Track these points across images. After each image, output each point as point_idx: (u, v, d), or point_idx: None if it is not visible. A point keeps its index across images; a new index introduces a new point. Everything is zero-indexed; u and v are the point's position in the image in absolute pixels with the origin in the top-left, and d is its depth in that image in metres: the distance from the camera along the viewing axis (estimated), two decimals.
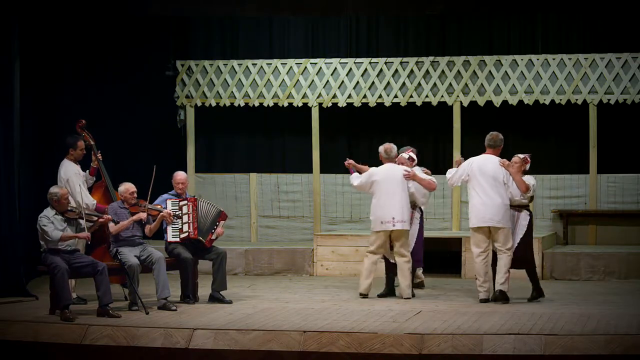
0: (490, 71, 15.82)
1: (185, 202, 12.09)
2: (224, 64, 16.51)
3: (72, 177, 12.17)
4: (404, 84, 16.04)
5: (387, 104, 16.11)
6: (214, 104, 16.54)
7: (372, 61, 16.18)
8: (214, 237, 12.21)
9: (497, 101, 15.84)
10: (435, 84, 15.94)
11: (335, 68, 16.24)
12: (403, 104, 16.07)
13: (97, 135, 12.77)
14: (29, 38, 13.77)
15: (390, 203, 12.24)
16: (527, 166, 11.98)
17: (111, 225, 11.67)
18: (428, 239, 13.45)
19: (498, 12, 15.68)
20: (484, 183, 11.86)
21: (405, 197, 12.32)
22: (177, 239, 12.05)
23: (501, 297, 11.74)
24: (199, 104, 16.56)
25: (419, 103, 16.03)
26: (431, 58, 16.01)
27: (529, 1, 14.36)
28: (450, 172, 12.26)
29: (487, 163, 11.96)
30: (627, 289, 13.30)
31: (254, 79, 16.39)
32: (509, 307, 11.52)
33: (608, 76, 15.53)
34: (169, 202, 12.07)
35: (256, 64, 16.41)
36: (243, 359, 9.93)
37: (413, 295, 12.33)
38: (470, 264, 14.45)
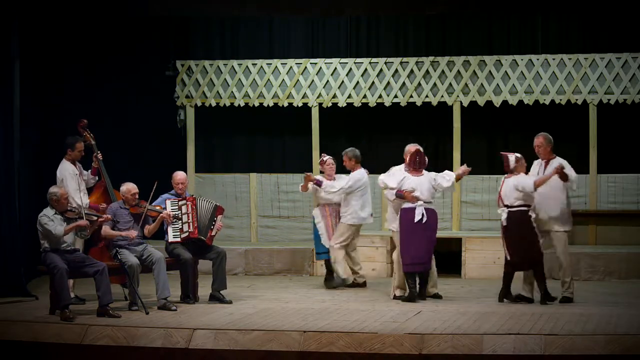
0: (490, 71, 15.82)
1: (185, 201, 12.09)
2: (224, 64, 16.51)
3: (66, 177, 12.18)
4: (404, 84, 16.04)
5: (387, 104, 16.11)
6: (214, 104, 16.54)
7: (372, 61, 16.18)
8: (213, 233, 12.22)
9: (497, 101, 15.84)
10: (435, 84, 15.94)
11: (335, 68, 16.24)
12: (403, 104, 16.07)
13: (97, 135, 12.79)
14: (29, 38, 13.77)
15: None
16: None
17: (105, 227, 11.65)
18: None
19: (498, 12, 15.68)
20: None
21: None
22: (178, 239, 12.06)
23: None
24: (199, 104, 16.56)
25: (419, 103, 16.03)
26: (431, 58, 16.01)
27: (529, 1, 14.36)
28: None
29: None
30: (627, 289, 13.30)
31: (254, 79, 16.39)
32: (509, 307, 11.52)
33: (608, 76, 15.53)
34: (168, 203, 12.07)
35: (256, 64, 16.41)
36: (243, 359, 9.93)
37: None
38: (470, 264, 14.47)
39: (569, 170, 12.00)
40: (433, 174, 12.37)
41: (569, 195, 12.14)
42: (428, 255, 12.22)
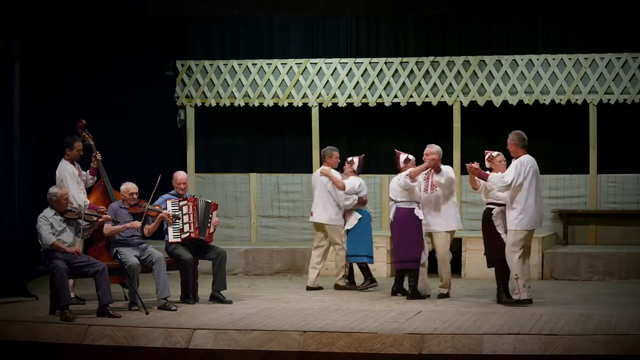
0: (490, 71, 15.82)
1: (185, 202, 12.09)
2: (224, 64, 16.51)
3: (66, 177, 12.18)
4: (404, 84, 16.04)
5: (387, 104, 16.11)
6: (214, 104, 16.54)
7: (372, 61, 16.18)
8: (211, 230, 12.21)
9: (497, 101, 15.84)
10: (435, 84, 15.94)
11: (335, 68, 16.24)
12: (403, 104, 16.07)
13: (97, 135, 12.79)
14: (29, 38, 13.77)
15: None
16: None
17: (107, 225, 11.67)
18: None
19: (498, 12, 15.68)
20: (538, 185, 11.74)
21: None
22: (179, 239, 12.05)
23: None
24: (199, 104, 16.56)
25: (419, 103, 16.03)
26: (431, 58, 16.01)
27: (529, 1, 14.35)
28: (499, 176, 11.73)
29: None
30: (627, 289, 13.30)
31: (254, 79, 16.39)
32: (509, 307, 11.52)
33: (608, 76, 15.53)
34: (168, 203, 12.07)
35: (256, 64, 16.41)
36: (243, 359, 9.93)
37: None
38: (470, 264, 14.47)
39: (509, 169, 11.70)
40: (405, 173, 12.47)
41: (520, 194, 11.62)
42: (406, 254, 12.34)
